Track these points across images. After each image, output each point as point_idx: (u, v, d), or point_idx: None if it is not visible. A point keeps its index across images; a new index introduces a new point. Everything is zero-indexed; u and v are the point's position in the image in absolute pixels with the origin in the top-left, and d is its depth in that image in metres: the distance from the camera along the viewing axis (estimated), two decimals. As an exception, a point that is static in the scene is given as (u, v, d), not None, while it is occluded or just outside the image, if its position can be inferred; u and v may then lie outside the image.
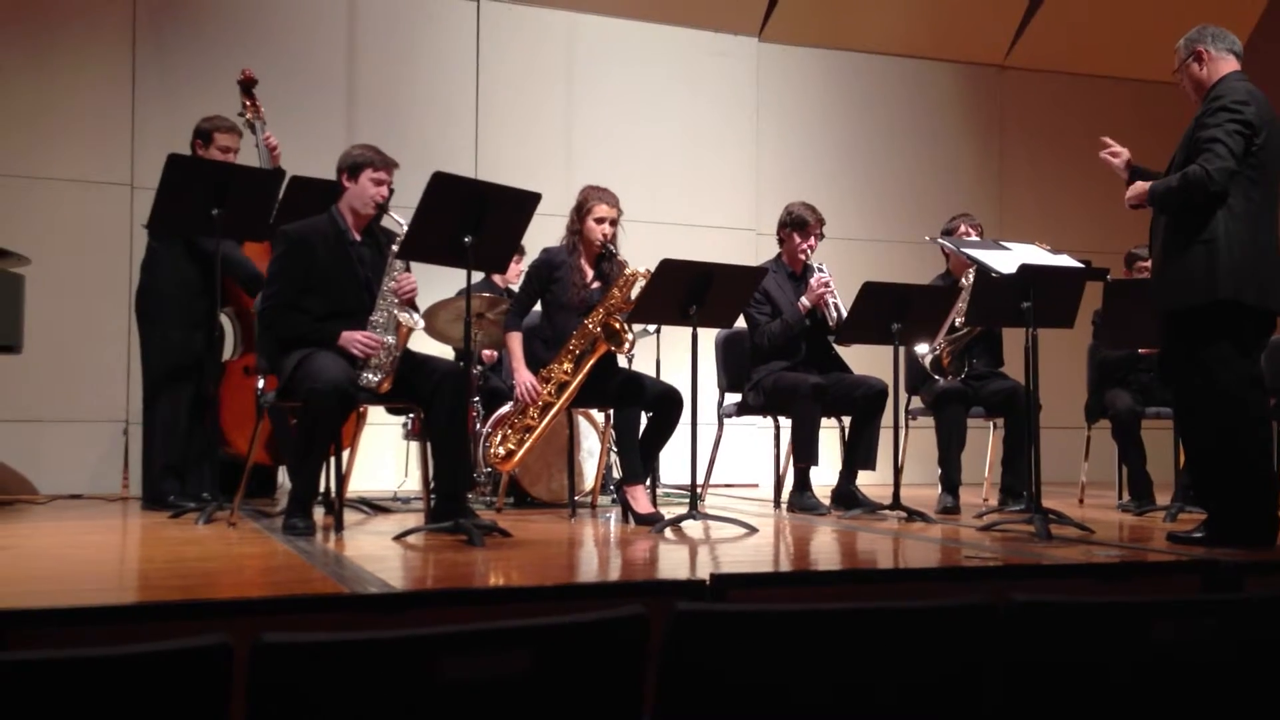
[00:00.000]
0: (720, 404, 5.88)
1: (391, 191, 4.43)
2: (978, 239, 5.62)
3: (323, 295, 4.32)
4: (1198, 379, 3.98)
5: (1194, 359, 3.97)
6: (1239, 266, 3.85)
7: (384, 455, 6.67)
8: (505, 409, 5.33)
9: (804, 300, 5.40)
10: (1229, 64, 4.05)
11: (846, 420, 5.52)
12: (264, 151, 5.44)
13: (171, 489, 5.15)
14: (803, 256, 5.54)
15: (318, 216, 4.43)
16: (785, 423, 5.47)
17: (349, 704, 1.74)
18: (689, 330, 4.55)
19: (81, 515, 5.10)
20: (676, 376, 5.14)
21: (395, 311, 4.31)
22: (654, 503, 4.89)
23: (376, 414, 5.23)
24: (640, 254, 5.03)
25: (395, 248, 4.30)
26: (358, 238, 4.43)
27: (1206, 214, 3.88)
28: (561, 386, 4.87)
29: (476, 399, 5.69)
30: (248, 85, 5.59)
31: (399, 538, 3.98)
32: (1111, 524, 4.99)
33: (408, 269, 4.40)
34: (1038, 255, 4.71)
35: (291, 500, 4.15)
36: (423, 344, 5.12)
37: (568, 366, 4.88)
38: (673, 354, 5.69)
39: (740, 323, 5.31)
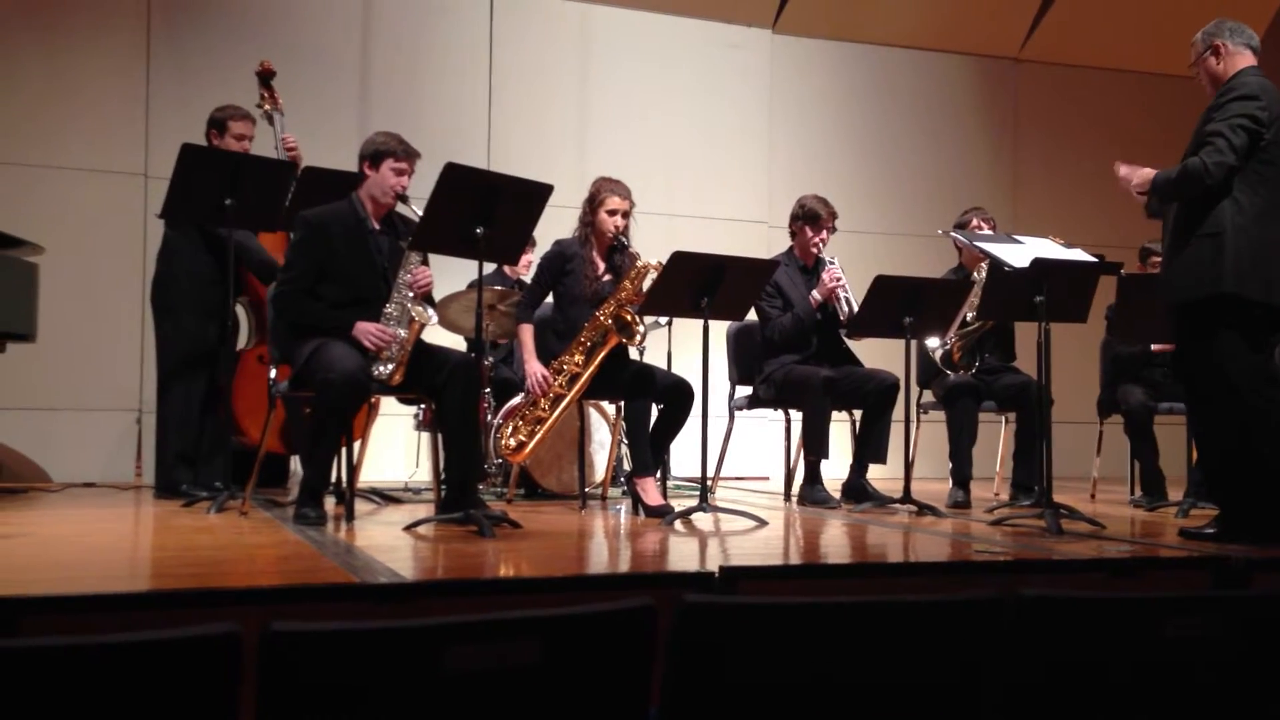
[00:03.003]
0: (731, 397, 5.88)
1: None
2: (990, 232, 5.61)
3: (339, 282, 4.33)
4: (1209, 374, 3.96)
5: (1205, 354, 3.95)
6: (1244, 261, 3.83)
7: (395, 446, 6.69)
8: (516, 400, 5.34)
9: (816, 294, 5.40)
10: (1245, 58, 4.03)
11: (857, 414, 5.52)
12: (283, 152, 5.43)
13: (184, 478, 5.17)
14: (815, 250, 5.54)
15: (338, 203, 4.43)
16: (796, 416, 5.46)
17: (358, 693, 1.75)
18: (700, 323, 4.54)
19: (94, 503, 5.12)
20: (688, 369, 5.13)
21: (409, 305, 4.31)
22: (664, 495, 4.89)
23: (388, 404, 5.24)
24: (652, 246, 5.03)
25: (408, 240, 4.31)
26: (376, 226, 4.44)
27: (1213, 209, 3.87)
28: (573, 378, 4.88)
29: (487, 390, 5.69)
30: (266, 77, 5.60)
31: (409, 528, 3.99)
32: (1123, 519, 4.98)
33: (425, 262, 4.40)
34: (1051, 249, 4.70)
35: (303, 490, 4.16)
36: (435, 335, 5.13)
37: (579, 358, 4.88)
38: (684, 346, 5.69)
39: (752, 316, 5.31)
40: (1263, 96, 3.88)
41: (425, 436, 5.95)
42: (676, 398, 4.87)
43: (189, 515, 4.50)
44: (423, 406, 5.72)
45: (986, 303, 4.94)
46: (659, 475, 4.98)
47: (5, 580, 2.80)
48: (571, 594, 2.79)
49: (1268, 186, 3.88)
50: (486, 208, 4.03)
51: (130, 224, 6.55)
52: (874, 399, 5.31)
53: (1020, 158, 8.67)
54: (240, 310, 5.57)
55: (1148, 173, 4.08)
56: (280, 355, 4.49)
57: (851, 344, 5.55)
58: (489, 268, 5.03)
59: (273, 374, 4.63)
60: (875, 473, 5.42)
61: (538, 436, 4.90)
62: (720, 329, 5.87)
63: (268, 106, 5.58)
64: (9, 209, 6.00)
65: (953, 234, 5.48)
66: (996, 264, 4.60)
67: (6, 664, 1.53)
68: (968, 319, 5.39)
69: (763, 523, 4.39)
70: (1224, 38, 4.05)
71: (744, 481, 7.09)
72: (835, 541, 4.18)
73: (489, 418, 5.62)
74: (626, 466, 5.54)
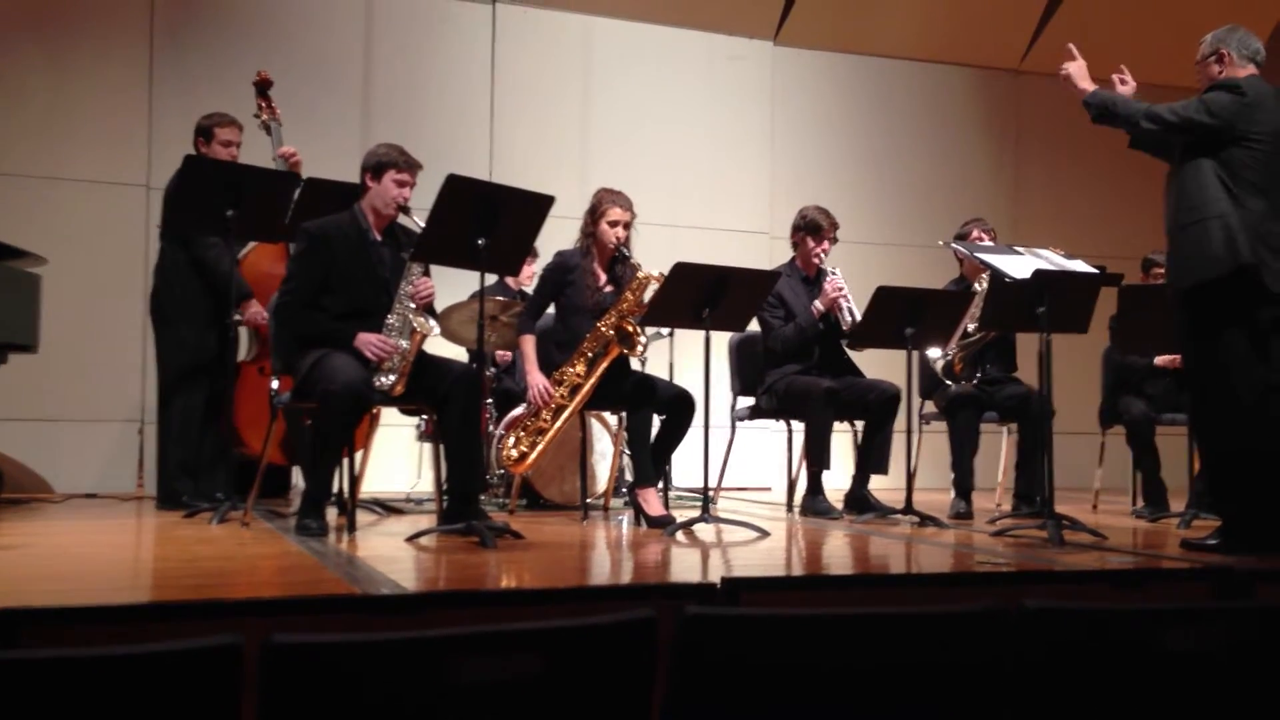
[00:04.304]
0: (733, 407, 5.88)
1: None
2: (991, 244, 5.61)
3: (341, 294, 4.33)
4: (1214, 381, 3.96)
5: (1210, 357, 3.94)
6: (1254, 244, 3.83)
7: (397, 456, 6.69)
8: (518, 411, 5.34)
9: (817, 304, 5.40)
10: (1246, 71, 4.05)
11: (859, 424, 5.51)
12: (282, 163, 5.42)
13: (185, 489, 5.17)
14: (816, 260, 5.54)
15: (340, 214, 4.43)
16: (798, 426, 5.46)
17: (360, 705, 1.75)
18: (702, 333, 4.55)
19: (96, 514, 5.12)
20: (689, 379, 5.14)
21: (411, 316, 4.32)
22: (666, 505, 4.89)
23: (390, 415, 5.24)
24: (654, 257, 5.04)
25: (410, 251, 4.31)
26: (378, 237, 4.44)
27: (1216, 195, 3.89)
28: (574, 389, 4.88)
29: (489, 401, 5.69)
30: (263, 87, 5.61)
31: (411, 539, 3.99)
32: (1125, 530, 4.97)
33: (426, 273, 4.41)
34: (1052, 260, 4.70)
35: (305, 501, 4.16)
36: (437, 346, 5.13)
37: (580, 369, 4.88)
38: (686, 357, 5.69)
39: (754, 326, 5.31)
40: (1249, 95, 3.90)
41: (427, 447, 5.95)
42: (678, 408, 4.87)
43: (191, 526, 4.50)
44: (424, 417, 5.71)
45: (988, 314, 4.94)
46: (661, 486, 4.98)
47: (7, 591, 2.80)
48: (573, 605, 2.79)
49: (1268, 184, 3.89)
50: (488, 219, 4.03)
51: (133, 235, 6.56)
52: (876, 410, 5.31)
53: (1021, 169, 8.67)
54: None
55: (1085, 86, 4.23)
56: (282, 366, 4.50)
57: (853, 354, 5.55)
58: (490, 279, 5.04)
59: (274, 385, 4.64)
60: (877, 483, 5.41)
61: (539, 447, 4.90)
62: (722, 339, 5.87)
63: (265, 117, 5.58)
64: (12, 220, 6.01)
65: (954, 245, 5.48)
66: (997, 275, 4.60)
67: (8, 675, 1.53)
68: (969, 330, 5.39)
69: (765, 534, 4.38)
70: (1231, 47, 4.07)
71: (746, 492, 7.09)
72: (837, 552, 4.18)
73: (491, 428, 5.62)
74: (628, 477, 5.54)
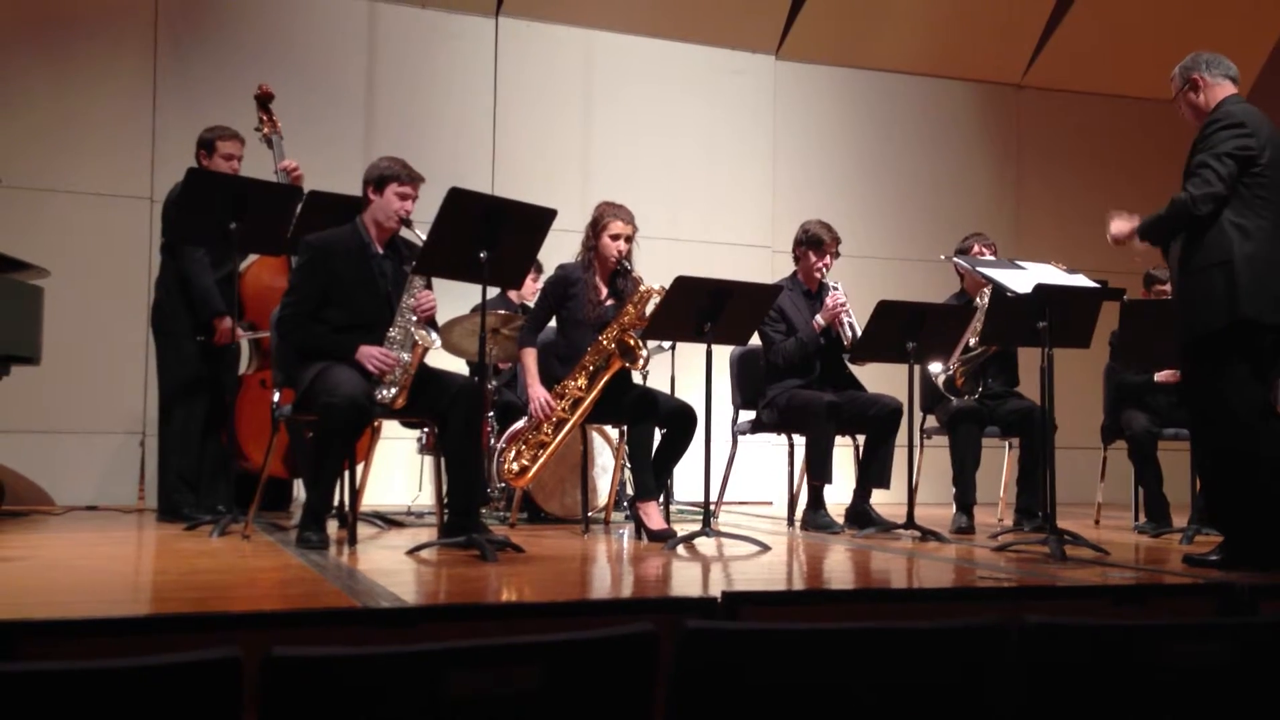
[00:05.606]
0: (734, 421, 5.87)
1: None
2: (993, 258, 5.61)
3: (343, 307, 4.34)
4: (1214, 402, 3.95)
5: (1211, 381, 3.94)
6: (1255, 283, 3.83)
7: (398, 469, 6.68)
8: (520, 424, 5.34)
9: (819, 318, 5.40)
10: (1225, 89, 4.05)
11: (861, 439, 5.51)
12: (283, 176, 5.43)
13: (186, 501, 5.17)
14: (818, 275, 5.54)
15: (341, 227, 4.44)
16: (799, 440, 5.45)
17: (360, 718, 1.74)
18: (704, 347, 4.55)
19: (97, 526, 5.12)
20: (691, 393, 5.14)
21: (413, 329, 4.32)
22: (667, 519, 4.88)
23: (391, 428, 5.24)
24: (656, 270, 5.04)
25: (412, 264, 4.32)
26: (380, 250, 4.45)
27: (1217, 237, 3.88)
28: (576, 402, 4.87)
29: (491, 414, 5.69)
30: (264, 100, 5.62)
31: (412, 552, 3.99)
32: (1127, 546, 4.96)
33: (428, 286, 4.42)
34: (1053, 275, 4.70)
35: (305, 513, 4.15)
36: (439, 359, 5.13)
37: (582, 382, 4.88)
38: (687, 371, 5.69)
39: (755, 340, 5.31)
40: (1248, 123, 3.90)
41: (428, 460, 5.94)
42: (679, 422, 4.87)
43: (191, 539, 4.50)
44: (426, 430, 5.71)
45: (989, 328, 4.94)
46: (662, 499, 4.97)
47: (6, 603, 2.80)
48: (573, 619, 2.78)
49: (1269, 210, 3.89)
50: (490, 232, 4.04)
51: (135, 248, 6.57)
52: (877, 424, 5.31)
53: (1022, 183, 8.69)
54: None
55: (1125, 226, 4.12)
56: (284, 379, 4.50)
57: (855, 369, 5.55)
58: (493, 292, 5.04)
59: (276, 397, 4.64)
60: (879, 498, 5.41)
61: (540, 460, 4.90)
62: (723, 353, 5.87)
63: (266, 130, 5.59)
64: (15, 232, 6.03)
65: (955, 260, 5.48)
66: (999, 290, 4.60)
67: (6, 688, 1.53)
68: (970, 344, 5.39)
69: (766, 548, 4.37)
70: (1201, 71, 4.07)
71: (747, 506, 7.08)
72: (838, 567, 4.17)
73: (492, 442, 5.62)
74: (629, 491, 5.53)
